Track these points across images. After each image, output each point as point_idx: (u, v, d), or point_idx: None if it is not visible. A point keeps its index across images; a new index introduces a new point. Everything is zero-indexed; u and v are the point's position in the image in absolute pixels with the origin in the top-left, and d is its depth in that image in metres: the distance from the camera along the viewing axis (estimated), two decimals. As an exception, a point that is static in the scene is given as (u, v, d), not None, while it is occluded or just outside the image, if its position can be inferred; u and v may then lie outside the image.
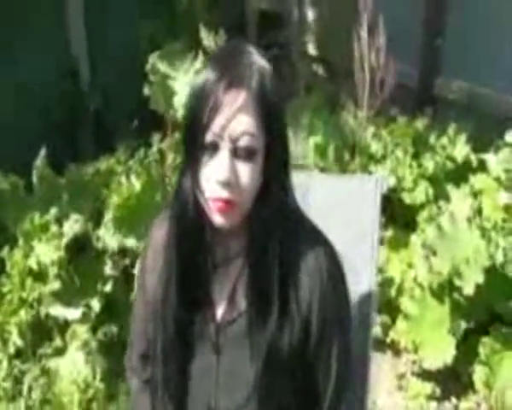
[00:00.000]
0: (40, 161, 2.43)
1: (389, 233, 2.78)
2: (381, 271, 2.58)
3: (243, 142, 0.97)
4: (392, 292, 2.59)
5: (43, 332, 2.25)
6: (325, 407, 1.05)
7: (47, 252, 2.12)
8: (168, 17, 3.33)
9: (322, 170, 2.78)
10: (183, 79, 2.46)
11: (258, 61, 1.01)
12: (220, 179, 0.96)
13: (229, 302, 1.04)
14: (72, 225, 2.27)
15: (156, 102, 2.42)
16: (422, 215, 2.74)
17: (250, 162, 0.98)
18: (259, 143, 0.99)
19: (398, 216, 2.91)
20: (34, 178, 2.42)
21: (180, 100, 2.45)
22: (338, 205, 1.34)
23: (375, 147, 2.88)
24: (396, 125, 2.96)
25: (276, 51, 3.81)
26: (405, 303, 2.49)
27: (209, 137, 0.96)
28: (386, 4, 2.77)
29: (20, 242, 2.19)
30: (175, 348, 1.04)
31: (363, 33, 2.55)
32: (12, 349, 2.28)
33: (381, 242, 2.75)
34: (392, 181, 2.78)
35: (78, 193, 2.47)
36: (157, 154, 2.71)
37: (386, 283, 2.59)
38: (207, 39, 2.44)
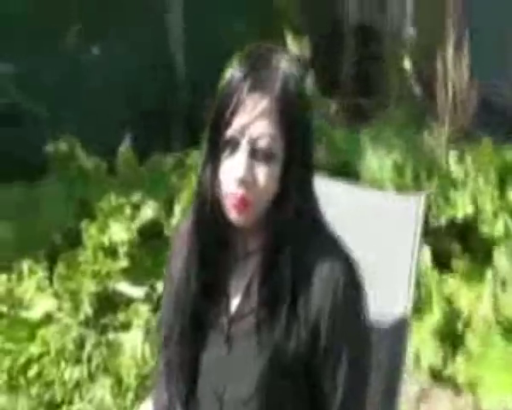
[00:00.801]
0: (125, 146, 2.59)
1: (463, 264, 2.72)
2: (449, 301, 2.54)
3: (261, 144, 0.99)
4: (459, 325, 2.53)
5: (108, 305, 2.40)
6: None
7: (119, 231, 2.26)
8: (260, 17, 3.39)
9: (398, 189, 2.75)
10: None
11: (286, 65, 1.02)
12: (237, 177, 0.99)
13: (244, 297, 1.07)
14: (147, 211, 2.40)
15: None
16: (499, 249, 2.66)
17: (267, 165, 1.00)
18: (278, 147, 1.00)
19: (474, 247, 2.83)
20: (118, 163, 2.59)
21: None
22: (372, 221, 1.32)
23: (456, 171, 2.81)
24: (481, 150, 2.88)
25: (371, 64, 3.81)
26: (469, 338, 2.43)
27: (230, 134, 1.00)
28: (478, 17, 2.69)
29: (98, 218, 2.36)
30: (190, 333, 1.08)
31: (449, 50, 2.50)
32: (82, 316, 2.46)
33: (454, 272, 2.70)
34: (470, 209, 2.72)
35: (158, 181, 2.61)
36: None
37: (453, 314, 2.53)
38: (292, 44, 2.49)
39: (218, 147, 1.01)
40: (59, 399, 2.41)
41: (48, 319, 2.45)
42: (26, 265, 2.47)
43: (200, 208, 1.06)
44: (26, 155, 2.95)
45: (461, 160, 2.82)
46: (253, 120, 0.99)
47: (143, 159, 2.87)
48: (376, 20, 3.76)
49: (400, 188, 2.73)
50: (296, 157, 1.02)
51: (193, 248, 1.07)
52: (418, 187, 2.83)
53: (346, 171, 2.85)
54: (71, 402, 2.42)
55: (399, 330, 1.31)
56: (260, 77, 1.00)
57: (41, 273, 2.45)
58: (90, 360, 2.30)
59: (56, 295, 2.50)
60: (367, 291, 1.20)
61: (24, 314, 2.52)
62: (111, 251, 2.33)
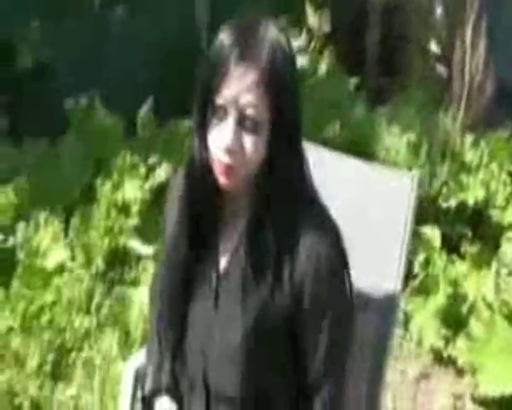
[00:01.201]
0: (145, 109, 2.65)
1: (473, 249, 2.74)
2: (455, 285, 2.57)
3: (249, 113, 1.01)
4: (463, 309, 2.56)
5: (119, 261, 2.49)
6: (308, 381, 1.09)
7: (133, 190, 2.34)
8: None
9: (410, 169, 2.77)
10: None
11: (274, 35, 1.03)
12: (224, 146, 1.02)
13: (232, 256, 1.11)
14: (161, 173, 2.47)
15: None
16: (507, 235, 2.67)
17: (254, 134, 1.02)
18: (265, 116, 1.02)
19: (484, 233, 2.85)
20: (138, 124, 2.66)
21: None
22: (367, 195, 1.35)
23: (470, 155, 2.82)
24: (496, 136, 2.88)
25: (396, 43, 3.79)
26: (472, 322, 2.46)
27: (218, 103, 1.03)
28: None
29: (113, 175, 2.44)
30: (180, 287, 1.13)
31: (467, 35, 2.49)
32: (93, 269, 2.56)
33: (463, 257, 2.73)
34: (481, 195, 2.73)
35: (174, 144, 2.67)
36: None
37: (458, 298, 2.56)
38: (312, 17, 2.50)
39: (207, 114, 1.04)
40: (69, 345, 2.53)
41: (61, 268, 2.56)
42: (43, 215, 2.57)
43: (190, 171, 1.10)
44: (51, 110, 3.04)
45: (475, 144, 2.82)
46: (240, 90, 1.01)
47: (165, 123, 2.94)
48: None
49: (412, 168, 2.75)
50: (283, 126, 1.04)
51: (183, 207, 1.12)
52: (432, 168, 2.84)
53: (362, 149, 2.87)
54: (80, 349, 2.53)
55: (388, 308, 1.33)
56: (248, 47, 1.02)
57: (57, 225, 2.54)
58: (98, 311, 2.40)
59: (70, 247, 2.60)
60: (356, 266, 1.25)
61: (39, 262, 2.63)
62: (124, 208, 2.41)
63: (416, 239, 2.61)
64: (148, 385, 1.18)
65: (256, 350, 1.07)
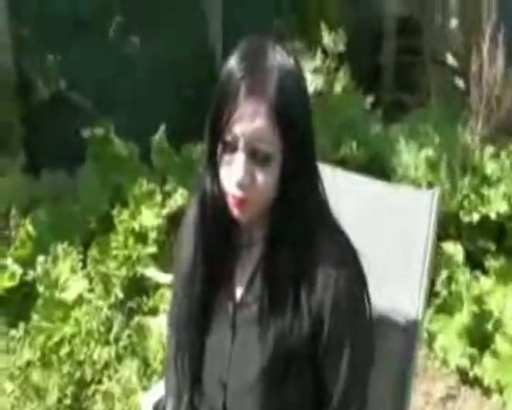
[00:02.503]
0: (160, 135, 2.65)
1: (497, 263, 2.66)
2: (480, 302, 2.50)
3: (259, 147, 1.00)
4: (489, 326, 2.49)
5: (137, 289, 2.47)
6: (330, 409, 1.06)
7: (149, 218, 2.32)
8: (297, 13, 3.40)
9: (430, 185, 2.72)
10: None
11: (281, 63, 1.00)
12: (235, 180, 1.01)
13: (248, 286, 1.10)
14: (177, 199, 2.45)
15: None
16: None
17: (266, 167, 1.01)
18: (276, 148, 1.01)
19: (508, 246, 2.77)
20: (152, 150, 2.65)
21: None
22: (385, 215, 1.31)
23: (491, 168, 2.76)
24: (517, 148, 2.82)
25: (412, 58, 3.75)
26: (498, 339, 2.38)
27: (228, 138, 1.01)
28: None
29: (130, 203, 2.43)
30: (197, 319, 1.11)
31: (484, 45, 2.44)
32: (112, 299, 2.53)
33: (487, 272, 2.66)
34: (503, 208, 2.66)
35: (189, 170, 2.66)
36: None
37: (483, 315, 2.49)
38: (327, 38, 2.49)
39: (217, 148, 1.03)
40: (88, 378, 2.50)
41: (80, 300, 2.54)
42: (61, 248, 2.57)
43: (203, 204, 1.09)
44: (69, 141, 3.06)
45: (496, 157, 2.76)
46: (250, 124, 0.99)
47: (179, 148, 2.93)
48: (418, 13, 3.70)
49: (432, 184, 2.69)
50: (295, 155, 1.02)
51: (199, 239, 1.11)
52: (452, 183, 2.78)
53: (380, 167, 2.83)
54: (100, 382, 2.50)
55: (411, 329, 1.29)
56: (256, 79, 0.99)
57: (75, 256, 2.54)
58: (117, 341, 2.37)
59: (89, 278, 2.59)
60: (377, 288, 1.20)
61: (58, 295, 2.62)
62: (141, 236, 2.40)
63: (438, 256, 2.56)
64: None
65: (275, 380, 1.05)
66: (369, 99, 2.99)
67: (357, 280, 1.07)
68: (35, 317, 2.63)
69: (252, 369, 1.06)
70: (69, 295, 2.62)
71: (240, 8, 3.48)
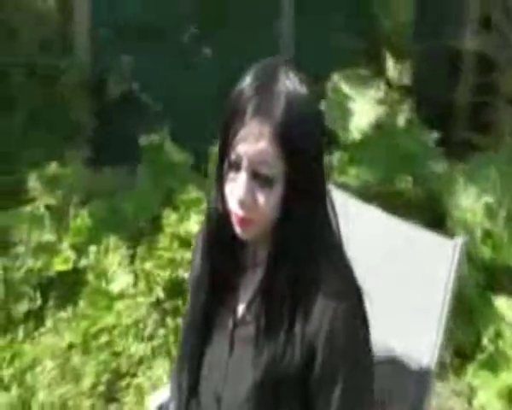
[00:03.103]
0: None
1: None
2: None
3: (262, 170, 1.01)
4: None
5: (177, 291, 2.54)
6: None
7: (196, 223, 2.39)
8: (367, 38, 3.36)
9: (486, 232, 2.63)
10: (362, 105, 2.54)
11: (291, 89, 1.01)
12: (238, 199, 1.02)
13: (249, 304, 1.11)
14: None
15: (330, 119, 2.54)
16: None
17: (268, 189, 1.01)
18: (279, 172, 1.01)
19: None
20: (209, 159, 2.73)
21: (355, 123, 2.55)
22: (404, 257, 1.30)
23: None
24: None
25: (486, 97, 3.65)
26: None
27: (233, 157, 1.03)
28: None
29: (179, 209, 2.51)
30: (199, 329, 1.14)
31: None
32: (153, 298, 2.62)
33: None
34: None
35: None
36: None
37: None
38: (392, 69, 2.47)
39: (224, 166, 1.05)
40: (124, 369, 2.59)
41: (124, 294, 2.64)
42: (112, 241, 2.68)
43: (210, 220, 1.11)
44: (133, 140, 3.18)
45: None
46: (253, 145, 1.00)
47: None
48: (496, 50, 3.58)
49: (490, 233, 2.61)
50: (299, 181, 1.02)
51: (205, 254, 1.13)
52: (510, 233, 2.69)
53: (434, 206, 2.78)
54: (134, 375, 2.59)
55: (422, 380, 1.27)
56: (263, 101, 1.00)
57: (124, 251, 2.64)
58: (151, 339, 2.45)
59: (134, 274, 2.69)
60: (390, 330, 1.20)
61: (105, 285, 2.74)
62: (186, 241, 2.47)
63: (488, 309, 2.48)
64: None
65: (265, 401, 1.05)
66: (434, 136, 2.93)
67: (355, 315, 1.05)
68: (81, 303, 2.76)
69: (244, 386, 1.06)
70: (114, 288, 2.73)
71: (311, 27, 3.50)
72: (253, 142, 1.00)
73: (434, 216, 2.71)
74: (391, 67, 2.54)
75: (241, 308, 1.13)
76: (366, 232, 1.32)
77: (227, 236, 1.08)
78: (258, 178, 1.01)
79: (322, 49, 3.43)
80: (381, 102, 2.53)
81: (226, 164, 1.04)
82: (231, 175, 1.04)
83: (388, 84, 2.54)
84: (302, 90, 1.02)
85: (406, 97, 2.70)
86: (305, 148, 1.03)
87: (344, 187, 3.02)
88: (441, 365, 2.49)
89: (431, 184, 2.78)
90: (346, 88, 2.55)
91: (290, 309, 1.04)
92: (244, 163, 1.02)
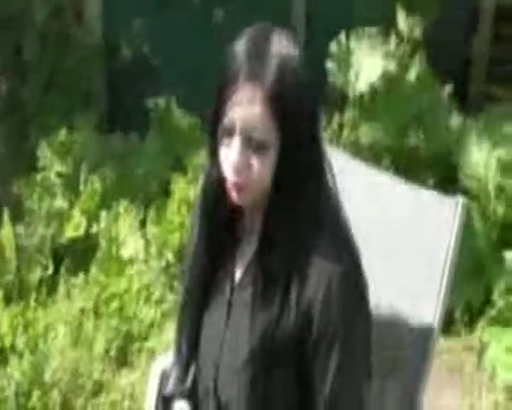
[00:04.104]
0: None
1: None
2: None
3: (255, 134, 0.99)
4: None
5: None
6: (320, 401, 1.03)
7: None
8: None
9: (499, 187, 2.55)
10: (369, 59, 2.46)
11: (283, 53, 1.00)
12: (231, 164, 1.01)
13: (246, 270, 1.10)
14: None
15: (335, 76, 2.47)
16: None
17: (261, 154, 1.00)
18: (272, 137, 1.00)
19: None
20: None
21: (361, 79, 2.47)
22: (405, 219, 1.25)
23: None
24: None
25: (507, 49, 3.51)
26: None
27: (226, 122, 1.01)
28: None
29: (188, 173, 2.49)
30: (196, 295, 1.13)
31: None
32: (163, 263, 2.62)
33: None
34: None
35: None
36: (336, 127, 2.77)
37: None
38: (403, 23, 2.38)
39: (217, 132, 1.03)
40: (135, 334, 2.61)
41: (135, 258, 2.65)
42: (122, 206, 2.68)
43: (205, 186, 1.10)
44: (144, 104, 3.16)
45: None
46: (246, 110, 0.99)
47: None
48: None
49: (503, 188, 2.53)
50: (293, 146, 1.01)
51: (201, 221, 1.12)
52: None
53: (445, 162, 2.70)
54: (145, 339, 2.61)
55: (424, 342, 1.24)
56: (256, 66, 0.99)
57: (134, 216, 2.64)
58: (160, 303, 2.46)
59: (145, 238, 2.69)
60: (391, 290, 1.16)
61: (116, 251, 2.75)
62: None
63: (499, 264, 2.42)
64: (169, 387, 1.20)
65: (262, 367, 1.04)
66: (449, 89, 2.81)
67: (351, 282, 1.03)
68: (93, 269, 2.77)
69: (241, 353, 1.06)
70: (125, 252, 2.74)
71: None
72: (246, 106, 0.99)
73: (446, 172, 2.63)
74: (402, 20, 2.44)
75: (238, 275, 1.12)
76: (365, 193, 1.28)
77: (223, 202, 1.07)
78: (252, 143, 1.00)
79: (336, 6, 3.34)
80: (390, 55, 2.44)
81: (220, 129, 1.03)
82: (225, 141, 1.03)
83: (399, 37, 2.44)
84: (294, 54, 1.01)
85: (418, 51, 2.60)
86: (298, 112, 1.01)
87: (355, 144, 2.99)
88: (452, 320, 2.50)
89: (443, 139, 2.69)
90: (353, 44, 2.47)
91: (286, 275, 1.03)
92: (237, 128, 1.01)
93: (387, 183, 1.33)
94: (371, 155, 2.52)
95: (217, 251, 1.12)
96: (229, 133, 1.01)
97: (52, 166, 2.91)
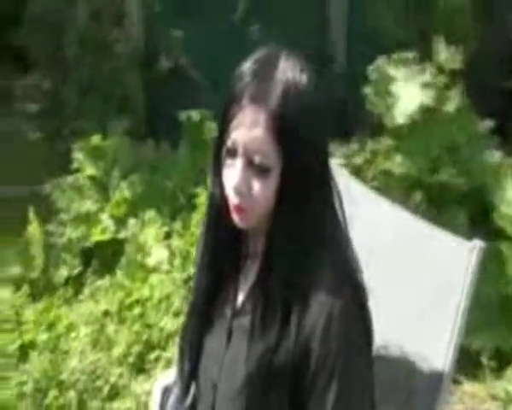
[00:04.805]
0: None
1: None
2: None
3: (256, 158, 0.98)
4: None
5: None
6: None
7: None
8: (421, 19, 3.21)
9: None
10: (407, 89, 2.45)
11: (290, 77, 0.98)
12: (232, 186, 1.00)
13: (248, 294, 1.09)
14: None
15: (373, 103, 2.46)
16: None
17: (263, 178, 0.99)
18: (274, 161, 0.98)
19: None
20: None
21: (400, 108, 2.45)
22: (419, 257, 1.22)
23: None
24: None
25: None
26: None
27: (229, 143, 1.01)
28: None
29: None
30: (199, 316, 1.13)
31: None
32: (185, 275, 2.64)
33: None
34: None
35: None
36: (369, 155, 2.75)
37: None
38: (442, 53, 2.35)
39: (221, 152, 1.03)
40: (155, 342, 2.63)
41: (159, 268, 2.68)
42: (149, 215, 2.72)
43: (210, 207, 1.09)
44: (179, 114, 3.19)
45: None
46: (248, 132, 0.98)
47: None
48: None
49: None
50: (295, 172, 0.99)
51: (207, 241, 1.11)
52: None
53: (478, 199, 2.65)
54: (164, 348, 2.62)
55: (434, 388, 1.19)
56: (260, 88, 0.98)
57: (161, 226, 2.67)
58: (178, 315, 2.47)
59: (170, 249, 2.71)
60: (401, 332, 1.14)
61: (141, 258, 2.78)
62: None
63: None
64: (170, 404, 1.20)
65: (257, 397, 1.03)
66: (489, 124, 2.77)
67: (353, 314, 1.00)
68: (118, 273, 2.81)
69: (238, 378, 1.05)
70: (150, 261, 2.77)
71: (365, 15, 3.39)
72: (248, 128, 0.98)
73: (480, 210, 2.59)
74: (441, 50, 2.41)
75: (240, 298, 1.11)
76: (379, 226, 1.26)
77: (228, 223, 1.05)
78: (254, 167, 0.99)
79: (374, 29, 3.33)
80: (428, 86, 2.41)
81: (224, 149, 1.02)
82: (228, 161, 1.02)
83: (438, 68, 2.42)
84: (302, 79, 0.99)
85: (457, 83, 2.57)
86: (302, 137, 0.99)
87: (387, 174, 2.96)
88: (478, 364, 2.44)
89: (478, 176, 2.65)
90: (391, 71, 2.46)
91: (285, 304, 1.01)
92: (240, 150, 0.99)
93: (404, 219, 1.30)
94: (403, 187, 2.49)
95: (220, 273, 1.11)
96: (232, 154, 1.01)
97: (84, 169, 2.97)
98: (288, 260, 1.01)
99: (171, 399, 1.20)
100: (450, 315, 1.17)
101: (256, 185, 1.00)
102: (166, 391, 1.28)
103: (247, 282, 1.10)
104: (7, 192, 3.54)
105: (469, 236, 2.55)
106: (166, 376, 1.35)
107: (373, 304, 1.04)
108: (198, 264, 1.15)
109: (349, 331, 1.00)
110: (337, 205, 1.06)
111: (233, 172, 1.01)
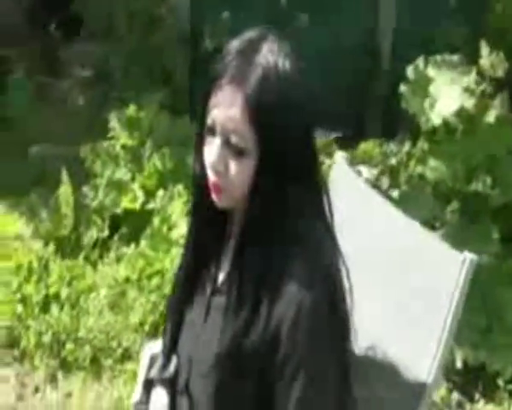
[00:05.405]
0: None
1: None
2: None
3: (233, 139, 0.98)
4: None
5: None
6: None
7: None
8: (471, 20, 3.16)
9: None
10: (447, 92, 2.40)
11: (270, 62, 0.97)
12: (209, 164, 1.01)
13: (228, 274, 1.08)
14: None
15: (408, 102, 2.43)
16: None
17: (239, 159, 0.99)
18: (251, 143, 0.98)
19: None
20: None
21: (436, 110, 2.41)
22: (409, 263, 1.19)
23: None
24: None
25: None
26: None
27: (209, 122, 1.01)
28: None
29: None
30: (182, 289, 1.14)
31: None
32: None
33: None
34: None
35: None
36: (403, 157, 2.71)
37: None
38: (486, 59, 2.30)
39: (202, 129, 1.03)
40: (170, 313, 2.68)
41: (181, 241, 2.71)
42: (179, 189, 2.76)
43: (193, 187, 1.10)
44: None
45: None
46: (225, 111, 0.98)
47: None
48: None
49: None
50: (272, 157, 0.98)
51: (191, 221, 1.13)
52: None
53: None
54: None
55: (416, 396, 1.14)
56: (241, 69, 0.97)
57: (187, 201, 2.71)
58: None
59: (194, 224, 2.75)
60: (390, 340, 1.14)
61: (166, 231, 2.83)
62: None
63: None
64: (153, 372, 1.20)
65: (227, 380, 1.03)
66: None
67: (323, 312, 0.98)
68: (143, 243, 2.87)
69: (211, 355, 1.05)
70: (174, 234, 2.82)
71: (413, 11, 3.35)
72: (226, 107, 0.98)
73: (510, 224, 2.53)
74: (486, 55, 2.35)
75: (220, 277, 1.11)
76: (376, 225, 1.25)
77: (211, 203, 1.06)
78: (231, 147, 0.99)
79: (423, 29, 3.29)
80: (469, 91, 2.36)
81: (204, 129, 1.02)
82: (208, 139, 1.02)
83: (480, 73, 2.36)
84: (284, 65, 0.98)
85: (500, 92, 2.50)
86: (278, 125, 0.98)
87: (420, 178, 2.91)
88: (496, 386, 2.38)
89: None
90: (431, 72, 2.41)
91: (257, 290, 1.00)
92: (217, 128, 1.00)
93: (398, 218, 1.27)
94: (435, 192, 2.44)
95: (204, 251, 1.11)
96: (212, 132, 1.01)
97: (119, 137, 3.03)
98: (258, 248, 1.01)
99: (155, 366, 1.20)
100: (437, 327, 1.13)
101: (232, 166, 1.00)
102: (153, 358, 1.25)
103: (227, 262, 1.10)
104: (52, 150, 3.68)
105: (501, 251, 2.47)
106: (156, 344, 1.34)
107: (357, 308, 1.03)
108: (185, 237, 1.16)
109: (318, 327, 0.98)
110: (324, 202, 1.05)
111: (211, 150, 1.01)
